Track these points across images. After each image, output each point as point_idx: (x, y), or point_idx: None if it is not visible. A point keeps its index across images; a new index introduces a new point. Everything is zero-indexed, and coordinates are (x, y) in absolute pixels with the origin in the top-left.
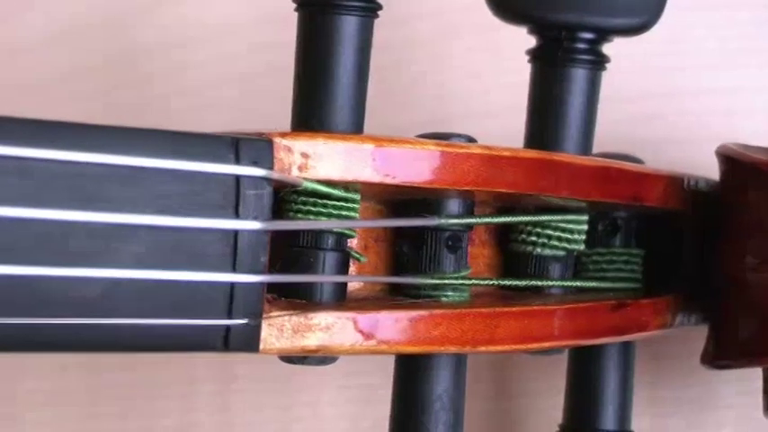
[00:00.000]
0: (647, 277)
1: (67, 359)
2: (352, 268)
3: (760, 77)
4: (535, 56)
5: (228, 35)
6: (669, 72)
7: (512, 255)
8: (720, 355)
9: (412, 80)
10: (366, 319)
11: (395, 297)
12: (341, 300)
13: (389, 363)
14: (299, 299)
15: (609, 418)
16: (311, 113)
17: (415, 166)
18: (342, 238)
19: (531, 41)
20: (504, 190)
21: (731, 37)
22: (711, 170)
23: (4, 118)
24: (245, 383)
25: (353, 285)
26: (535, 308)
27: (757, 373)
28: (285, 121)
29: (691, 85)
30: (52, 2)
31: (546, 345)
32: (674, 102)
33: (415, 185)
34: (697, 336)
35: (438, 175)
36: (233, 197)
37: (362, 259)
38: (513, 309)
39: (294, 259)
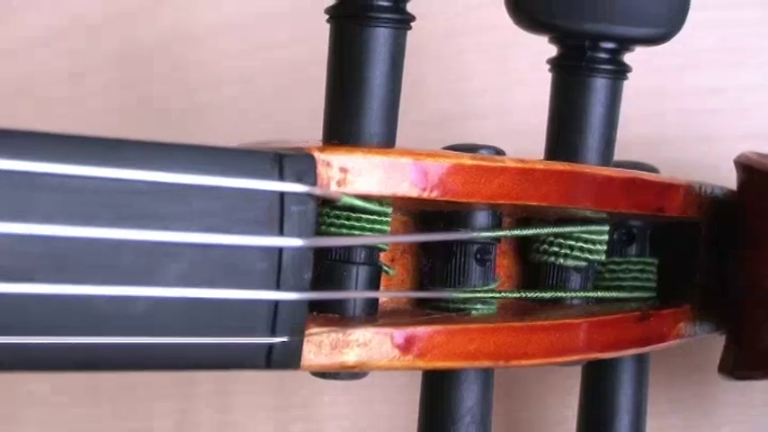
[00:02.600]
0: (660, 286)
1: None
2: (381, 282)
3: (757, 77)
4: (556, 65)
5: (228, 35)
6: (667, 72)
7: (532, 265)
8: (741, 365)
9: (409, 82)
10: (403, 334)
11: (423, 309)
12: (372, 313)
13: None
14: (333, 313)
15: (624, 430)
16: (344, 125)
17: (451, 181)
18: (374, 251)
19: (529, 43)
20: (536, 203)
21: (728, 36)
22: (709, 170)
23: (50, 135)
24: (244, 384)
25: (382, 298)
26: (566, 321)
27: None
28: (285, 120)
29: (688, 85)
30: (52, 2)
31: (575, 358)
32: (671, 101)
33: (451, 200)
34: None
35: (473, 188)
36: (277, 214)
37: (391, 272)
38: (546, 322)
39: (327, 273)
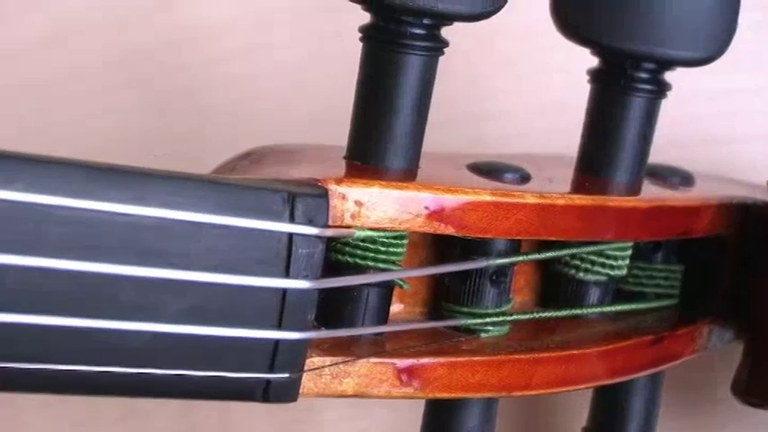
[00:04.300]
0: (684, 291)
1: None
2: (395, 293)
3: (760, 80)
4: (596, 78)
5: (228, 36)
6: (674, 75)
7: (552, 275)
8: (754, 391)
9: None
10: (405, 365)
11: (435, 324)
12: (382, 323)
13: None
14: (342, 325)
15: None
16: (368, 147)
17: (467, 217)
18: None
19: (527, 47)
20: (554, 238)
21: (737, 38)
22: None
23: (62, 166)
24: None
25: (394, 307)
26: (575, 353)
27: None
28: (285, 122)
29: (692, 88)
30: (52, 2)
31: (581, 387)
32: (676, 105)
33: (465, 236)
34: None
35: (489, 224)
36: (285, 255)
37: (405, 287)
38: (552, 354)
39: (337, 292)
